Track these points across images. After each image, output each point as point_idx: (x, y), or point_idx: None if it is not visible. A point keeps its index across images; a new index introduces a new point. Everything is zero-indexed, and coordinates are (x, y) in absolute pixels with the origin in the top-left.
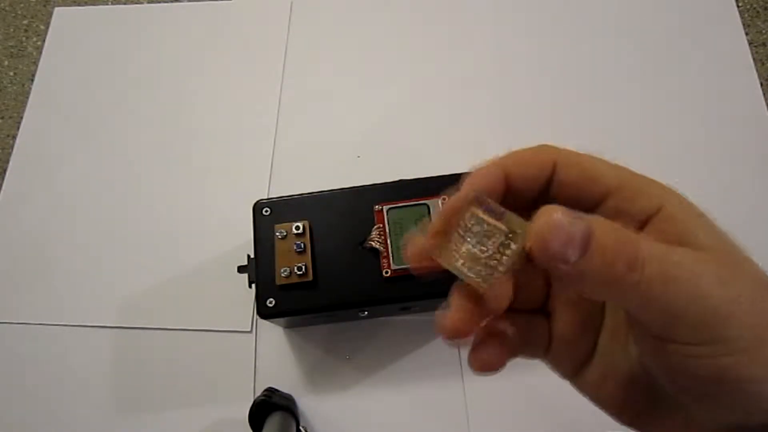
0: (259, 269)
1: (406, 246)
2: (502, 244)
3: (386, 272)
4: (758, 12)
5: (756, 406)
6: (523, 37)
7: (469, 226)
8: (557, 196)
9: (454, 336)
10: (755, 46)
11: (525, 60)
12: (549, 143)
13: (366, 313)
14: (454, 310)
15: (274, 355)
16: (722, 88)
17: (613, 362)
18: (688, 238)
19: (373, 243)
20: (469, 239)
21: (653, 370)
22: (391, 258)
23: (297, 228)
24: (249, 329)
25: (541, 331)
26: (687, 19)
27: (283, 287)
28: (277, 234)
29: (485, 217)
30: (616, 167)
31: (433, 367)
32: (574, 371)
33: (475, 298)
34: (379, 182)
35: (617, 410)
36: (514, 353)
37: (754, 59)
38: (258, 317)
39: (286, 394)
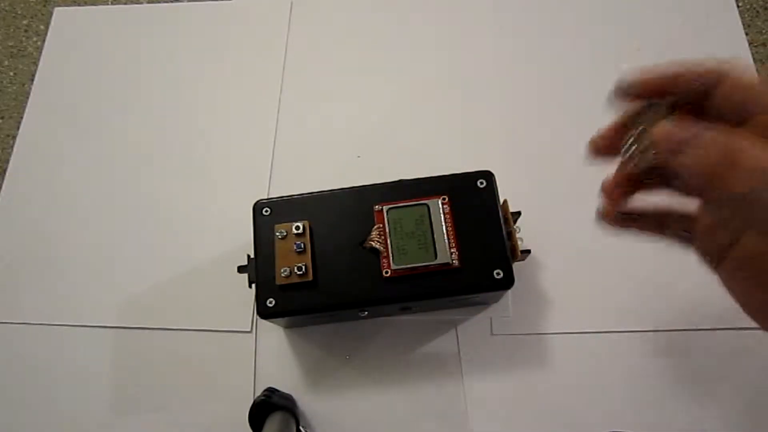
0: (259, 269)
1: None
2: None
3: (386, 272)
4: (758, 12)
5: None
6: (523, 36)
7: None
8: (718, 104)
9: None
10: (755, 46)
11: (525, 59)
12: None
13: (366, 313)
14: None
15: (274, 355)
16: None
17: (743, 257)
18: None
19: (373, 243)
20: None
21: None
22: (391, 258)
23: (297, 228)
24: (249, 329)
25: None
26: (687, 19)
27: (283, 287)
28: (277, 234)
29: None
30: None
31: (433, 367)
32: (716, 261)
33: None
34: (379, 182)
35: (742, 301)
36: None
37: (754, 59)
38: (258, 317)
39: (286, 394)
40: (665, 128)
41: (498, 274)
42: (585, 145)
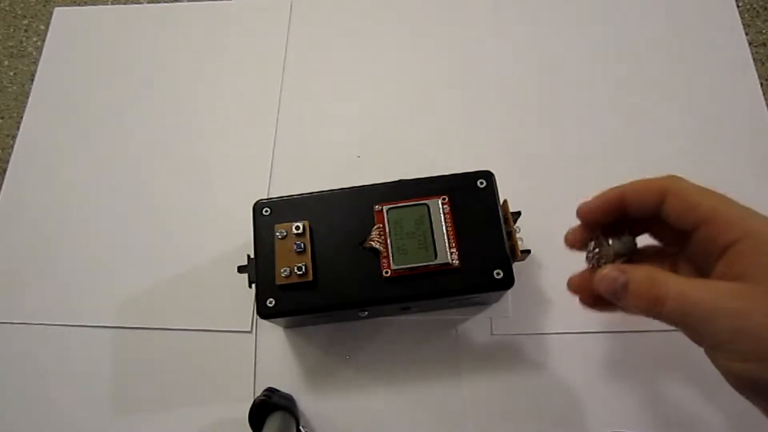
0: (259, 269)
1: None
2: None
3: (386, 272)
4: (758, 12)
5: None
6: (523, 37)
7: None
8: (666, 217)
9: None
10: (755, 46)
11: (525, 60)
12: (674, 175)
13: (366, 313)
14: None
15: (274, 355)
16: (722, 88)
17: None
18: (746, 274)
19: (373, 243)
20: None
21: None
22: (391, 258)
23: (297, 228)
24: (249, 329)
25: None
26: (687, 19)
27: (283, 287)
28: (277, 234)
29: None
30: (715, 199)
31: (433, 367)
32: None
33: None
34: (379, 182)
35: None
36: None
37: (754, 59)
38: (258, 317)
39: (286, 394)
40: (604, 277)
41: (498, 274)
42: (585, 144)
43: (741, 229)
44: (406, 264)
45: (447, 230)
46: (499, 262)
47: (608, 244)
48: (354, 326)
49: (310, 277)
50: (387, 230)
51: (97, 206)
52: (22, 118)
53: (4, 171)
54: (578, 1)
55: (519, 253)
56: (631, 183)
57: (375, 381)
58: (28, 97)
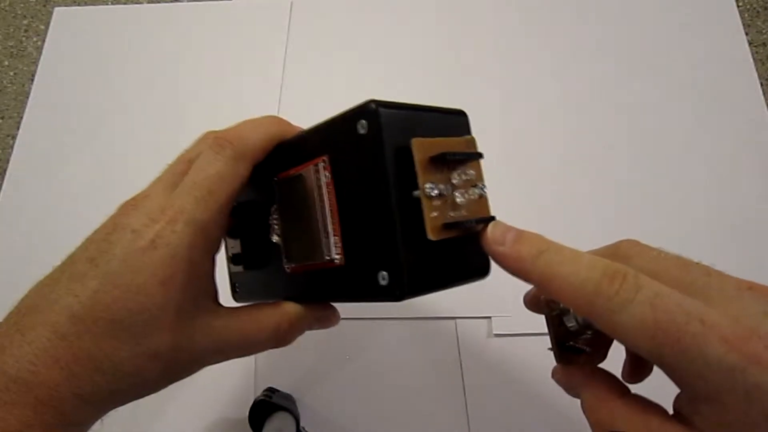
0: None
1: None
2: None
3: (287, 268)
4: (758, 12)
5: None
6: (524, 34)
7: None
8: None
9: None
10: (755, 46)
11: (525, 57)
12: (613, 273)
13: None
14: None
15: (274, 355)
16: (722, 88)
17: None
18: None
19: (274, 235)
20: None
21: None
22: (283, 251)
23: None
24: None
25: None
26: (687, 19)
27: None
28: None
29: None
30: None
31: (433, 367)
32: None
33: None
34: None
35: None
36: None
37: (754, 59)
38: None
39: (286, 394)
40: (558, 375)
41: (383, 278)
42: (585, 144)
43: (703, 390)
44: (295, 261)
45: (327, 210)
46: (385, 257)
47: (561, 318)
48: (354, 326)
49: (241, 267)
50: (279, 213)
51: (97, 206)
52: (22, 118)
53: (4, 171)
54: (577, 2)
55: (442, 229)
56: (554, 280)
57: (375, 381)
58: (28, 97)
